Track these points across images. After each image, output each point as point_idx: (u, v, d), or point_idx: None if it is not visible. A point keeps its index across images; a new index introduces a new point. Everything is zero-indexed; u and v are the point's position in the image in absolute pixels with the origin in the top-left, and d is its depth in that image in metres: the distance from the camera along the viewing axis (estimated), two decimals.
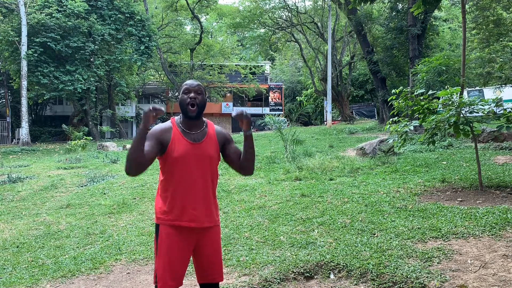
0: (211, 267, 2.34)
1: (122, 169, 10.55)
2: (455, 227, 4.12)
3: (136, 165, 2.11)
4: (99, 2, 23.20)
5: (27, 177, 9.91)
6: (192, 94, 2.24)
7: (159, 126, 2.28)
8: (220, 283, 2.41)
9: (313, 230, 4.53)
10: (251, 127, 2.27)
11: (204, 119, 2.37)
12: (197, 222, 2.26)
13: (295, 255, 3.81)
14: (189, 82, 2.31)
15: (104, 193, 7.81)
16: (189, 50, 33.40)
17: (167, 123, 2.30)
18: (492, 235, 3.85)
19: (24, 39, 20.19)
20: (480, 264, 3.28)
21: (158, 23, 32.00)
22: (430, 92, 6.13)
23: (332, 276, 3.44)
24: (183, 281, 2.44)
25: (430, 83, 10.67)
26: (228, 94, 40.93)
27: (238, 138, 18.99)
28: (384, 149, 9.31)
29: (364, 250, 3.75)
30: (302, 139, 11.89)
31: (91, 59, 23.06)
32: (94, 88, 24.12)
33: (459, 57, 12.53)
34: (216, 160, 2.34)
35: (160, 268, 2.24)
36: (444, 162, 8.01)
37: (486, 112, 5.73)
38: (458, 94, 6.11)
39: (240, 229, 4.82)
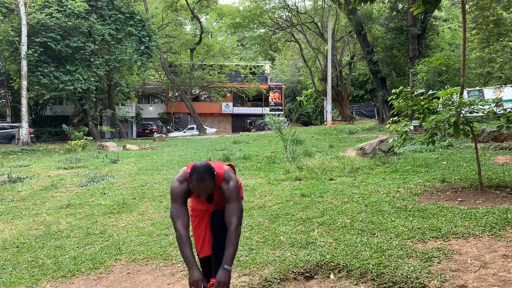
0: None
1: (122, 169, 10.56)
2: (455, 227, 4.12)
3: None
4: (99, 2, 23.20)
5: (27, 177, 9.91)
6: (205, 196, 2.57)
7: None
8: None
9: (313, 230, 4.53)
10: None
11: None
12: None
13: (295, 255, 3.81)
14: (196, 185, 2.49)
15: (104, 193, 7.81)
16: (189, 50, 33.41)
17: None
18: (492, 235, 3.85)
19: (24, 39, 20.19)
20: (480, 264, 3.28)
21: (158, 23, 32.00)
22: (430, 92, 6.12)
23: (332, 276, 3.44)
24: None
25: (430, 83, 10.65)
26: (228, 94, 40.96)
27: (238, 138, 19.00)
28: (384, 149, 9.30)
29: (364, 250, 3.75)
30: (302, 139, 11.89)
31: (91, 59, 23.05)
32: (94, 88, 24.12)
33: (459, 57, 12.54)
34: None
35: None
36: (444, 162, 8.00)
37: (486, 112, 5.72)
38: (458, 94, 6.10)
39: None
